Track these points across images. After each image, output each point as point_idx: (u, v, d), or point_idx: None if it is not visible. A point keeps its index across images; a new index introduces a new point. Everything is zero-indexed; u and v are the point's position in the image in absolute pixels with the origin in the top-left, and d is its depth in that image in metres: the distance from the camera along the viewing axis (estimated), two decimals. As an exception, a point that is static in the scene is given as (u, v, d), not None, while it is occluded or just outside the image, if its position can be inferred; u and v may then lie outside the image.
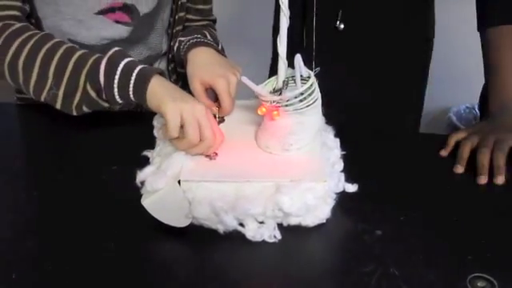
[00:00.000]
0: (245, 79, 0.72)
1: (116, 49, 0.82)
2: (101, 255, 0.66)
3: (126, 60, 0.80)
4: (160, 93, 0.76)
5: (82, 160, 0.87)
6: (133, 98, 0.81)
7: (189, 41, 0.95)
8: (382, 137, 0.95)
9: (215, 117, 0.83)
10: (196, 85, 0.87)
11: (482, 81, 1.08)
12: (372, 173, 0.82)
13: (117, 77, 0.79)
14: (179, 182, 0.69)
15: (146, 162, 0.78)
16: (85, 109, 0.85)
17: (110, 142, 0.91)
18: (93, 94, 0.83)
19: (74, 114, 0.86)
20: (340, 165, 0.79)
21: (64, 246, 0.68)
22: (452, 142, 0.89)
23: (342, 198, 0.74)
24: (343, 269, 0.66)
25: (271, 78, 0.77)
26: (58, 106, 0.85)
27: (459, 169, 0.85)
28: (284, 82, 0.75)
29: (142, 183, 0.72)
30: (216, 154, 0.76)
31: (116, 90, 0.81)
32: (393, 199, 0.77)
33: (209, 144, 0.73)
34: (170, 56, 1.10)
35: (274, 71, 0.77)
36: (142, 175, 0.73)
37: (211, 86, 0.85)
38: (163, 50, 1.09)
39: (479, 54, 1.05)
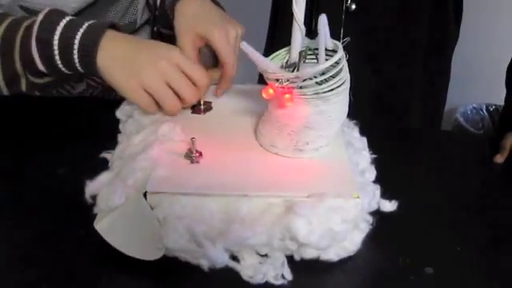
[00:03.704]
0: (245, 45, 0.53)
1: (41, 18, 0.65)
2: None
3: (59, 30, 0.64)
4: (109, 69, 0.65)
5: (25, 158, 0.71)
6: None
7: None
8: (412, 135, 0.84)
9: (199, 104, 0.69)
10: (185, 41, 0.71)
11: (489, 81, 1.06)
12: (412, 184, 0.67)
13: (57, 58, 0.65)
14: (145, 194, 0.54)
15: (104, 167, 0.61)
16: (38, 93, 0.74)
17: (61, 136, 0.74)
18: (40, 80, 0.70)
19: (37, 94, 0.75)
20: (372, 173, 0.62)
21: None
22: (508, 144, 0.77)
23: (376, 220, 0.58)
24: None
25: (281, 50, 0.60)
26: (5, 93, 0.72)
27: None
28: (301, 53, 0.56)
29: (94, 198, 0.56)
30: (199, 153, 0.58)
31: (64, 69, 0.66)
32: (445, 221, 0.63)
33: (197, 97, 0.66)
34: (157, 13, 0.93)
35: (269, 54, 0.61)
36: (94, 186, 0.56)
37: (206, 38, 0.70)
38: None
39: (485, 53, 1.06)
